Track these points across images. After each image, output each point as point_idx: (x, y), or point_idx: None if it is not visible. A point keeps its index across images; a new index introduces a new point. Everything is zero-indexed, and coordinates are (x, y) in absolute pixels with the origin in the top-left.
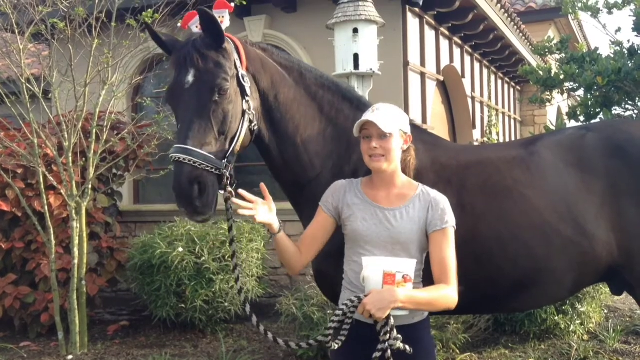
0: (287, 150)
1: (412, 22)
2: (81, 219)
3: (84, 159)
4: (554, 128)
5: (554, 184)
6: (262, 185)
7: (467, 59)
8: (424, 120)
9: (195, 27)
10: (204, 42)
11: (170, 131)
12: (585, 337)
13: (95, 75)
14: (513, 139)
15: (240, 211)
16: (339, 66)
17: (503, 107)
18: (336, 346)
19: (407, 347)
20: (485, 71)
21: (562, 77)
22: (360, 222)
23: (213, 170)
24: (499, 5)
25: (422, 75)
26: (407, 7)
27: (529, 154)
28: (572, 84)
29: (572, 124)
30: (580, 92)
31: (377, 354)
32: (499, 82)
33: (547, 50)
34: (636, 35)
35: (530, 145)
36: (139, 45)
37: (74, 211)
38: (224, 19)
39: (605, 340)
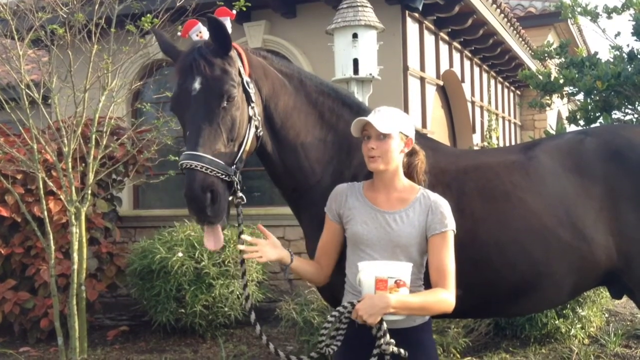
0: (288, 157)
1: (412, 27)
2: (81, 224)
3: (83, 164)
4: (554, 132)
5: (552, 188)
6: (260, 227)
7: (467, 63)
8: (424, 125)
9: (195, 35)
10: (210, 49)
11: (170, 136)
12: (586, 341)
13: (95, 81)
14: (513, 143)
15: (246, 256)
16: (338, 71)
17: (503, 111)
18: (331, 351)
19: (402, 351)
20: (485, 76)
21: (561, 81)
22: (360, 225)
23: (224, 176)
24: (498, 10)
25: (422, 80)
26: (407, 12)
27: (528, 159)
28: (571, 88)
29: (572, 128)
30: (580, 96)
31: (373, 359)
32: (499, 86)
33: (546, 54)
34: (635, 40)
35: (529, 149)
36: (139, 51)
37: (73, 216)
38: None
39: (606, 344)
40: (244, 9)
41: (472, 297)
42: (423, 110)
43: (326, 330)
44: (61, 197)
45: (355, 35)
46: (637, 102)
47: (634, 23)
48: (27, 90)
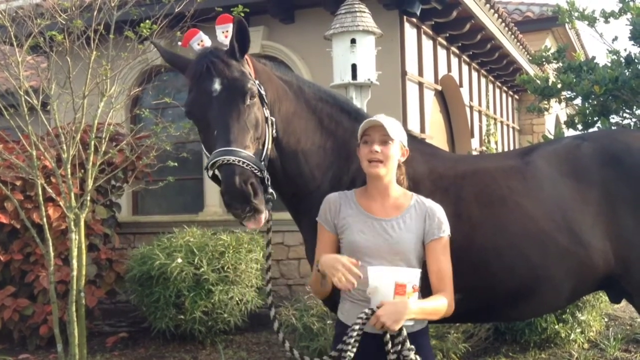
0: (289, 163)
1: (410, 33)
2: (80, 230)
3: (82, 170)
4: (552, 137)
5: (549, 193)
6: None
7: (465, 68)
8: (422, 130)
9: (197, 44)
10: (223, 52)
11: (169, 142)
12: (586, 345)
13: (94, 87)
14: (512, 147)
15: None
16: (336, 76)
17: (501, 116)
18: (348, 358)
19: (419, 358)
20: (483, 80)
21: (559, 86)
22: (357, 234)
23: (257, 172)
24: (496, 15)
25: (420, 85)
26: (405, 17)
27: (525, 164)
28: (569, 92)
29: (570, 132)
30: (578, 100)
31: None
32: (497, 91)
33: (544, 59)
34: (633, 44)
35: (526, 154)
36: (137, 57)
37: (72, 223)
38: (228, 34)
39: (605, 348)
40: (242, 14)
41: (471, 302)
42: (421, 115)
43: (352, 339)
44: (60, 203)
45: (353, 41)
46: (634, 107)
47: (631, 27)
48: (26, 96)
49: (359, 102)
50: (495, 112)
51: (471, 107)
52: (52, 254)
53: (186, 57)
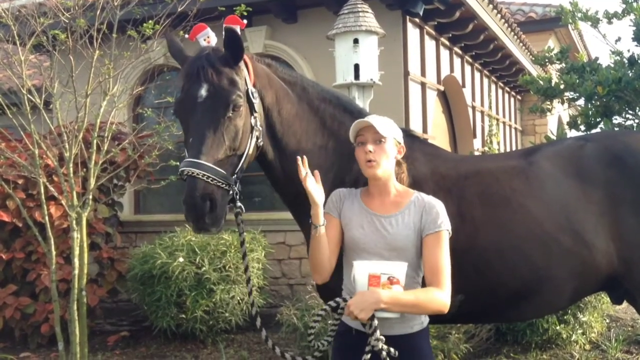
0: (289, 164)
1: (412, 33)
2: (82, 229)
3: (84, 169)
4: (554, 137)
5: (552, 193)
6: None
7: (468, 68)
8: (425, 130)
9: (203, 40)
10: (219, 57)
11: (171, 141)
12: (587, 346)
13: (96, 86)
14: (514, 148)
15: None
16: (339, 76)
17: (504, 116)
18: (321, 346)
19: (392, 350)
20: (485, 81)
21: (562, 86)
22: (357, 230)
23: (224, 185)
24: (499, 16)
25: (423, 85)
26: (407, 17)
27: (528, 164)
28: (572, 93)
29: (572, 133)
30: (581, 101)
31: (367, 356)
32: (500, 91)
33: (547, 60)
34: (636, 45)
35: (529, 155)
36: (140, 56)
37: (74, 221)
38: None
39: (607, 349)
40: (245, 14)
41: (473, 302)
42: (424, 115)
43: (316, 324)
44: (62, 202)
45: (356, 41)
46: (637, 108)
47: (634, 28)
48: (28, 95)
49: (362, 102)
50: (497, 113)
51: (473, 108)
52: (53, 252)
53: (188, 55)
